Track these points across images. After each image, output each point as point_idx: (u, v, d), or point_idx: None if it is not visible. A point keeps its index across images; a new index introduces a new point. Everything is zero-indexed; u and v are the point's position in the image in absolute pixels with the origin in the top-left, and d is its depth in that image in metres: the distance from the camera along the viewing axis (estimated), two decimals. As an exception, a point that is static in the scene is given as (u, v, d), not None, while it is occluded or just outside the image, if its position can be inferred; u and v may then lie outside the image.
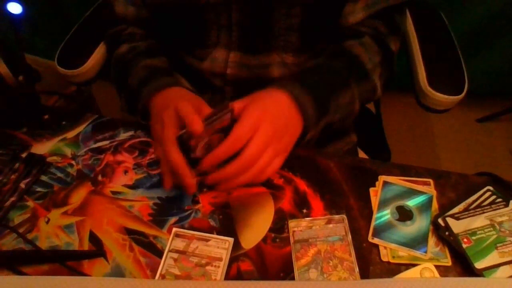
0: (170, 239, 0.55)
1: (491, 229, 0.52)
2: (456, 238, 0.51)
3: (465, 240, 0.51)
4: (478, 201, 0.55)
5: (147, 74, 0.66)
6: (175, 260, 0.53)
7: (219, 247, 0.54)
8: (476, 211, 0.54)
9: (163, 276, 0.52)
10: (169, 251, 0.54)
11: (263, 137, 0.52)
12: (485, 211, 0.54)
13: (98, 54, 0.81)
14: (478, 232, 0.52)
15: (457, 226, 0.52)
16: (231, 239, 0.55)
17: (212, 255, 0.53)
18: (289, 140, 0.57)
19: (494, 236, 0.52)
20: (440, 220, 0.53)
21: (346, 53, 0.65)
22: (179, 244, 0.54)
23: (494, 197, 0.56)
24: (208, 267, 0.52)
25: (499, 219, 0.53)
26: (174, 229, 0.56)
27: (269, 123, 0.53)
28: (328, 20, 0.67)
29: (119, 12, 0.74)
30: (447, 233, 0.52)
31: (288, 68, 0.69)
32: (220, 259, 0.53)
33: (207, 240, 0.55)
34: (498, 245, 0.51)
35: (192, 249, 0.54)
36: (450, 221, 0.53)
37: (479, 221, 0.53)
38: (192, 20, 0.68)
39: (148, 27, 0.75)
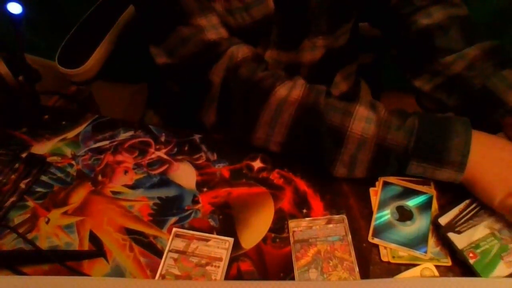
0: (170, 239, 0.55)
1: (493, 238, 0.52)
2: (462, 255, 0.51)
3: (471, 255, 0.50)
4: (478, 201, 0.55)
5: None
6: (175, 260, 0.53)
7: (219, 247, 0.54)
8: (475, 219, 0.54)
9: (163, 276, 0.52)
10: (169, 251, 0.54)
11: None
12: (485, 211, 0.54)
13: (98, 54, 0.81)
14: (481, 244, 0.51)
15: (460, 241, 0.51)
16: (231, 239, 0.55)
17: (212, 255, 0.53)
18: None
19: (497, 246, 0.51)
20: (440, 220, 0.53)
21: None
22: (179, 244, 0.54)
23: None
24: (208, 267, 0.52)
25: (497, 226, 0.53)
26: (174, 229, 0.56)
27: None
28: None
29: (214, 39, 0.63)
30: (447, 233, 0.52)
31: (317, 50, 0.73)
32: (220, 259, 0.53)
33: (207, 240, 0.55)
34: (503, 254, 0.51)
35: (192, 249, 0.54)
36: (452, 236, 0.52)
37: (479, 232, 0.52)
38: (247, 37, 0.67)
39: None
